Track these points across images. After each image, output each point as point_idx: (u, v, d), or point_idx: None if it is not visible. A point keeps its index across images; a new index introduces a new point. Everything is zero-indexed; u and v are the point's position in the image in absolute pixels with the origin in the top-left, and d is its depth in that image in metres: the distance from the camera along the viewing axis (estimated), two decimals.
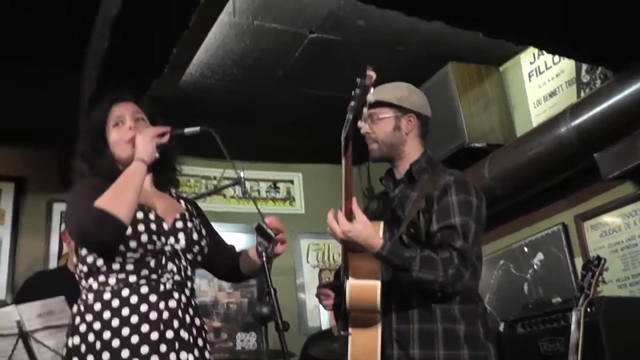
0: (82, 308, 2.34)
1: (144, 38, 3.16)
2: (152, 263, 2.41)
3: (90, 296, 2.35)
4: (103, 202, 2.26)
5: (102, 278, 2.36)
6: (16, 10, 3.77)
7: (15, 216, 5.20)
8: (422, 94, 2.90)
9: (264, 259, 2.42)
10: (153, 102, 2.81)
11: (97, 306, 2.31)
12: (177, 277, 2.44)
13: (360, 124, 2.38)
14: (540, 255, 4.54)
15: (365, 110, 2.27)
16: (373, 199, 3.07)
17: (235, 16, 4.00)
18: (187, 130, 2.61)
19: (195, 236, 2.54)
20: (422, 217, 2.60)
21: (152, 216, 2.44)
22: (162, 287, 2.39)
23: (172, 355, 2.30)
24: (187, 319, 2.41)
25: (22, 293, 3.98)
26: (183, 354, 2.33)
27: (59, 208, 5.30)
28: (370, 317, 2.49)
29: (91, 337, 2.27)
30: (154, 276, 2.40)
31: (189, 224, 2.55)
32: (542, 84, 4.64)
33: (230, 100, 4.99)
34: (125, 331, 2.27)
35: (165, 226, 2.47)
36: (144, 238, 2.38)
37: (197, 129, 2.63)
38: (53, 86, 4.38)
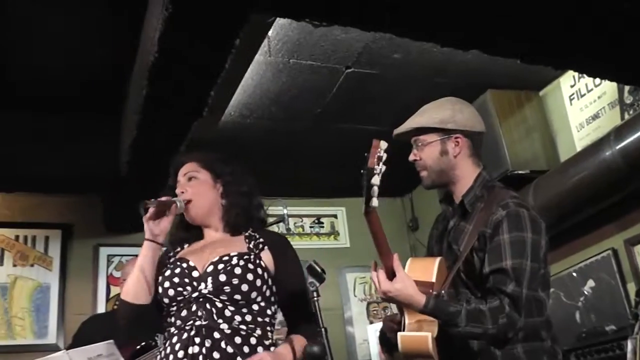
0: None
1: (181, 83, 3.19)
2: (184, 312, 2.48)
3: None
4: (122, 291, 2.59)
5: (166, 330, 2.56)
6: (60, 60, 3.88)
7: (63, 262, 5.30)
8: (471, 107, 2.71)
9: (315, 299, 2.41)
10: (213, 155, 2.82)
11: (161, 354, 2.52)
12: (203, 322, 2.45)
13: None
14: (591, 282, 4.40)
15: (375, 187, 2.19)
16: (438, 222, 2.84)
17: (271, 55, 4.02)
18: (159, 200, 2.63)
19: (223, 277, 2.49)
20: (476, 255, 2.47)
21: (178, 270, 2.53)
22: (185, 335, 2.44)
23: None
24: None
25: (78, 336, 4.02)
26: None
27: (105, 252, 5.40)
28: None
29: None
30: (182, 324, 2.47)
31: (220, 266, 2.51)
32: (584, 107, 4.55)
33: (270, 139, 5.02)
34: None
35: (196, 273, 2.52)
36: (171, 292, 2.50)
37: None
38: (95, 134, 4.49)
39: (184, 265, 2.54)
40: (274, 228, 5.69)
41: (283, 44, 3.95)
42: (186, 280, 2.50)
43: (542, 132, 4.76)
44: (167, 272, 2.54)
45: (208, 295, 2.47)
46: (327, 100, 4.51)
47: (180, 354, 2.40)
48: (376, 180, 2.16)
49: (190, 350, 2.40)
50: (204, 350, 2.40)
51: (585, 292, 4.43)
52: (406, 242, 6.10)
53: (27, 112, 4.38)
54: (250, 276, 2.51)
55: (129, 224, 5.44)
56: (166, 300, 2.52)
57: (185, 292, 2.49)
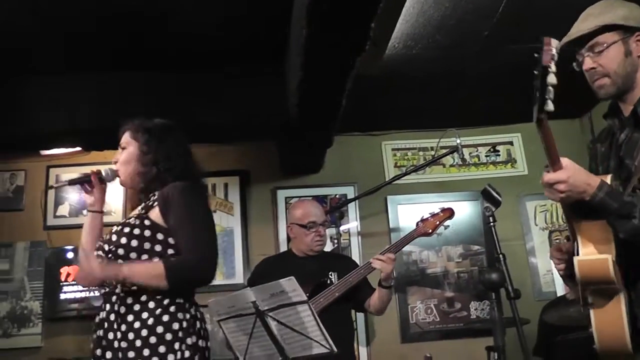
0: None
1: (340, 18, 3.13)
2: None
3: None
4: None
5: None
6: (220, 17, 4.00)
7: (243, 206, 5.56)
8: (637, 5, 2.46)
9: (492, 225, 2.35)
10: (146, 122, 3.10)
11: None
12: (107, 288, 2.79)
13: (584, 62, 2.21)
14: None
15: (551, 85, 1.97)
16: (600, 141, 2.63)
17: None
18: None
19: (114, 237, 2.81)
20: None
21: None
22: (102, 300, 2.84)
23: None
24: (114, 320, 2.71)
25: (252, 278, 4.19)
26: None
27: (282, 195, 5.59)
28: (609, 288, 2.24)
29: None
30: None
31: (114, 237, 2.81)
32: None
33: (437, 68, 4.85)
34: None
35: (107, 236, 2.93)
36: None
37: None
38: (262, 83, 4.60)
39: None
40: (448, 159, 5.64)
41: None
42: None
43: None
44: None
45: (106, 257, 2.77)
46: (494, 20, 4.26)
47: (97, 319, 2.78)
48: (552, 79, 1.97)
49: (99, 317, 2.77)
50: (104, 315, 2.74)
51: None
52: (586, 166, 5.74)
53: (197, 70, 4.57)
54: (124, 240, 2.76)
55: (304, 165, 5.55)
56: None
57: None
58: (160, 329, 2.67)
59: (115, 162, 3.03)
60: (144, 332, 2.66)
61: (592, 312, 2.30)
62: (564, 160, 2.16)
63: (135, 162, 2.97)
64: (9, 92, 4.47)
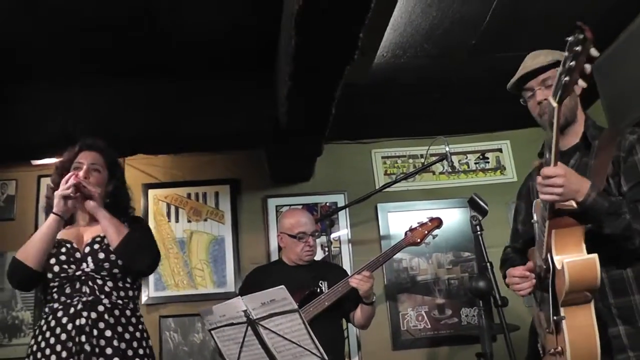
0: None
1: (329, 28, 3.16)
2: (68, 289, 3.02)
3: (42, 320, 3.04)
4: (20, 252, 3.03)
5: (47, 306, 3.06)
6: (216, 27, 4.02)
7: (234, 215, 5.58)
8: None
9: (479, 233, 2.38)
10: (113, 153, 3.42)
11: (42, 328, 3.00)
12: (90, 298, 2.99)
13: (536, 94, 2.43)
14: None
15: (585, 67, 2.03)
16: (520, 198, 2.92)
17: None
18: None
19: (101, 255, 3.07)
20: (612, 181, 2.42)
21: (63, 249, 3.06)
22: (72, 309, 2.96)
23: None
24: (95, 332, 2.94)
25: (243, 287, 4.20)
26: None
27: (273, 203, 5.62)
28: (583, 296, 2.28)
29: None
30: (68, 300, 2.99)
31: (96, 246, 3.09)
32: None
33: (426, 76, 4.90)
34: (47, 351, 2.90)
35: (78, 254, 3.07)
36: (56, 269, 3.01)
37: None
38: (252, 92, 4.63)
39: (66, 245, 3.08)
40: (437, 166, 5.67)
41: None
42: (72, 259, 3.03)
43: None
44: (54, 250, 3.05)
45: (91, 273, 3.04)
46: (481, 29, 4.32)
47: (69, 326, 2.92)
48: (594, 52, 2.02)
49: (77, 322, 2.92)
50: (89, 321, 2.94)
51: None
52: None
53: (187, 79, 4.59)
54: (113, 255, 3.10)
55: (294, 174, 5.57)
56: (49, 275, 3.03)
57: (70, 270, 3.01)
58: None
59: (86, 178, 3.17)
60: None
61: (564, 326, 2.31)
62: (562, 165, 2.29)
63: (101, 188, 3.25)
64: (0, 101, 4.48)
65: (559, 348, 2.33)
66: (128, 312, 3.11)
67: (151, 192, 5.58)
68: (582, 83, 2.08)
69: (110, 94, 4.55)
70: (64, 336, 2.92)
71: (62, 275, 3.02)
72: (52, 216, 3.06)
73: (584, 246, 2.29)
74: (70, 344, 2.90)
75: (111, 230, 3.09)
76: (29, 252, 3.02)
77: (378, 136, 5.94)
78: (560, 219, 2.32)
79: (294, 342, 2.86)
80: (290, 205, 5.53)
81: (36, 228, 5.20)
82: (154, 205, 5.54)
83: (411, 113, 5.47)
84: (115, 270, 3.09)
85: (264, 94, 4.50)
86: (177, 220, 5.52)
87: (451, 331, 5.46)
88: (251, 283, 4.06)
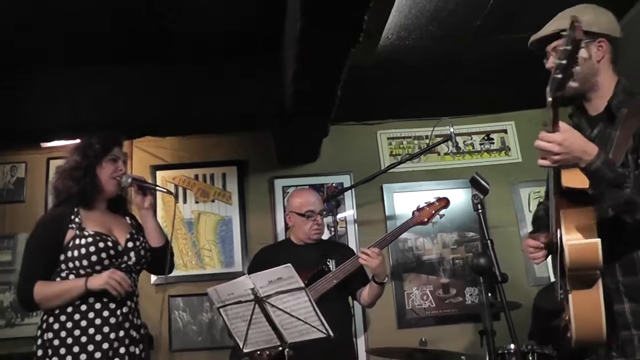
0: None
1: (334, 10, 3.19)
2: None
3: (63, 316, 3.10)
4: (39, 294, 3.09)
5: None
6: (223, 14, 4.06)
7: (241, 196, 5.62)
8: (610, 13, 2.57)
9: (480, 211, 2.42)
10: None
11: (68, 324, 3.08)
12: (130, 289, 3.18)
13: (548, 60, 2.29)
14: None
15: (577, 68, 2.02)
16: None
17: None
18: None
19: (142, 252, 3.33)
20: (631, 156, 2.35)
21: (109, 243, 3.16)
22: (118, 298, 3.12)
23: (122, 349, 3.08)
24: (135, 321, 3.21)
25: (251, 266, 4.26)
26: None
27: (279, 184, 5.66)
28: (590, 274, 2.32)
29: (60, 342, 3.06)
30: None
31: (137, 243, 3.32)
32: None
33: (431, 58, 4.91)
34: (83, 339, 3.04)
35: (120, 248, 3.22)
36: (94, 258, 3.10)
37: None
38: (259, 74, 4.67)
39: (110, 238, 3.18)
40: (443, 147, 5.70)
41: None
42: (116, 252, 3.18)
43: None
44: (102, 244, 3.13)
45: (132, 266, 3.26)
46: (485, 10, 4.32)
47: (118, 312, 3.12)
48: (583, 53, 2.07)
49: (124, 310, 3.14)
50: (130, 310, 3.19)
51: None
52: None
53: (195, 63, 4.66)
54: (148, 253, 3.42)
55: (300, 155, 5.61)
56: (84, 263, 3.10)
57: (116, 263, 3.18)
58: None
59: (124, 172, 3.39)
60: None
61: (570, 299, 2.37)
62: (562, 125, 2.21)
63: None
64: (10, 85, 4.53)
65: (567, 317, 2.41)
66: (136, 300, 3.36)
67: (159, 173, 5.63)
68: (572, 84, 2.06)
69: (118, 77, 4.60)
70: (106, 328, 3.08)
71: (106, 264, 3.14)
72: (81, 286, 3.08)
73: (594, 228, 2.29)
74: (113, 335, 3.08)
75: (158, 231, 3.46)
76: (48, 301, 3.11)
77: (383, 117, 5.96)
78: (570, 199, 2.34)
79: (301, 319, 2.92)
80: (297, 186, 5.57)
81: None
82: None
83: (416, 94, 5.48)
84: (146, 266, 3.42)
85: (271, 77, 4.54)
86: (185, 202, 5.58)
87: (455, 310, 5.51)
88: (259, 262, 4.12)
